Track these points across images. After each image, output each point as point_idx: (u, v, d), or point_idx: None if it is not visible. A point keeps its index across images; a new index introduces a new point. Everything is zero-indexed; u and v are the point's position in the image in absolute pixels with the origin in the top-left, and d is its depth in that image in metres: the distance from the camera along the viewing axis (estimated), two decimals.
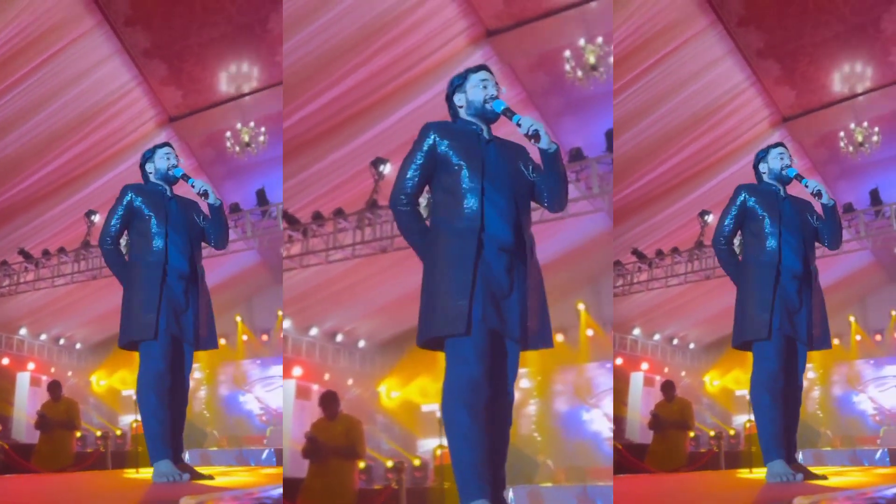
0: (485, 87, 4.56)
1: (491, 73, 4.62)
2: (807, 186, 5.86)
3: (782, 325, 5.89)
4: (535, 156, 4.56)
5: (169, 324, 5.90)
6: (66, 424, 9.96)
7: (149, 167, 6.10)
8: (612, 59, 8.87)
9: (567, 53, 9.09)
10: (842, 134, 10.32)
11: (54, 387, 10.24)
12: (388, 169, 9.17)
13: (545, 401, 9.23)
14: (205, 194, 5.95)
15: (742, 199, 6.07)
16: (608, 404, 9.03)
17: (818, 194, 5.83)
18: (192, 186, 5.97)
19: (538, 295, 4.51)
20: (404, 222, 4.56)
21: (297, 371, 9.31)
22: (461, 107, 4.61)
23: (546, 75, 9.16)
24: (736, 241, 6.18)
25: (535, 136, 4.37)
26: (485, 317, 4.35)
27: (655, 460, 9.79)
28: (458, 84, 4.63)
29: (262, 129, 9.86)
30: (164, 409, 5.89)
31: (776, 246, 5.92)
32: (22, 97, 9.67)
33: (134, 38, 9.68)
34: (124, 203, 5.99)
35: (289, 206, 9.36)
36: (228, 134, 9.99)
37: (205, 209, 6.13)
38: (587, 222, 8.87)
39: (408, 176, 4.52)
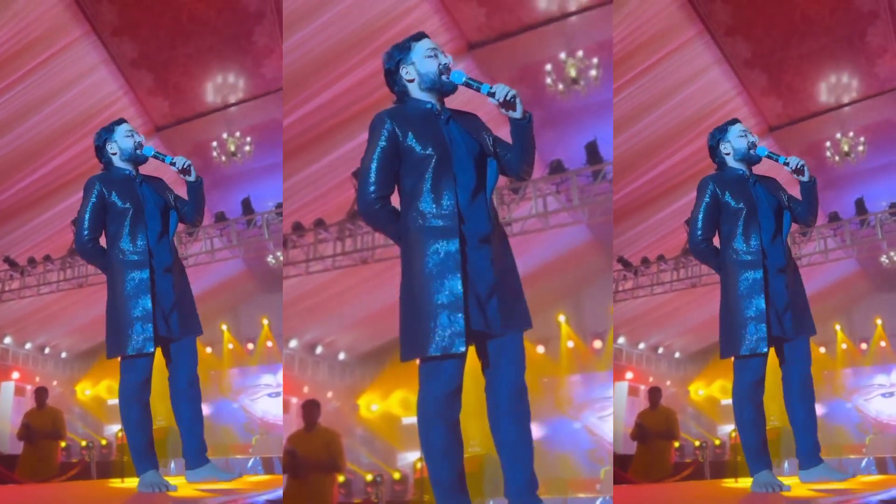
0: (435, 56, 4.19)
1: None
2: (787, 165, 5.51)
3: (779, 331, 5.54)
4: (492, 123, 4.26)
5: (159, 329, 5.55)
6: (51, 434, 9.95)
7: (110, 148, 5.61)
8: (593, 73, 8.92)
9: (548, 67, 9.14)
10: (828, 144, 10.36)
11: (40, 393, 10.23)
12: None
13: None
14: (186, 171, 5.53)
15: (712, 191, 5.59)
16: (589, 416, 9.02)
17: (800, 171, 5.50)
18: (173, 165, 5.55)
19: (514, 276, 4.23)
20: (382, 223, 4.19)
21: None
22: (411, 81, 4.22)
23: (527, 88, 9.17)
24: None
25: (511, 105, 4.08)
26: (473, 324, 4.07)
27: (639, 471, 9.80)
28: (400, 58, 4.24)
29: (248, 138, 9.92)
30: (148, 419, 5.73)
31: (758, 243, 5.52)
32: (8, 106, 9.71)
33: (121, 48, 9.73)
34: (95, 196, 5.57)
35: (287, 207, 9.34)
36: (214, 143, 10.05)
37: (179, 191, 5.74)
38: (567, 234, 8.90)
39: (371, 178, 4.13)
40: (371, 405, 9.27)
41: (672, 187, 10.23)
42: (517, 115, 4.11)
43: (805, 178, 5.59)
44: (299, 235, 9.49)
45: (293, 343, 9.67)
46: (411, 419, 8.79)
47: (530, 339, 9.35)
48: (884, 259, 10.78)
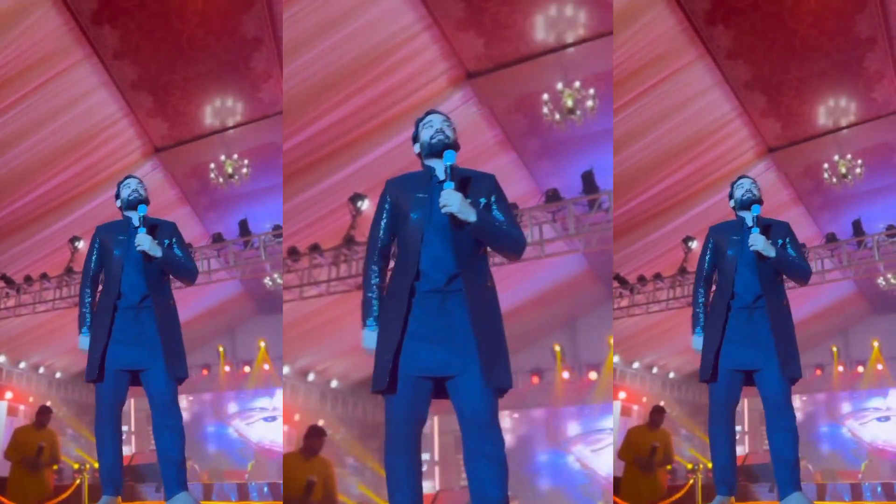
0: (430, 126, 4.55)
1: (444, 116, 4.58)
2: (752, 244, 5.83)
3: (733, 363, 5.89)
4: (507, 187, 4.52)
5: (119, 360, 5.81)
6: (50, 459, 9.90)
7: (118, 202, 6.00)
8: (589, 103, 8.94)
9: (545, 97, 9.17)
10: (826, 166, 10.40)
11: (44, 413, 10.16)
12: (365, 205, 9.20)
13: (520, 445, 9.16)
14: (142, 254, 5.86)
15: (710, 239, 6.07)
16: (581, 449, 8.95)
17: (760, 255, 5.84)
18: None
19: (488, 331, 4.41)
20: (364, 278, 4.57)
21: None
22: (418, 154, 4.59)
23: (524, 118, 9.23)
24: None
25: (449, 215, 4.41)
26: (417, 368, 4.38)
27: (630, 493, 9.74)
28: (415, 134, 4.62)
29: (246, 161, 9.96)
30: (112, 444, 5.92)
31: (731, 279, 5.91)
32: (9, 125, 9.76)
33: (122, 70, 9.78)
34: (95, 244, 5.95)
35: (285, 230, 9.35)
36: (212, 165, 10.08)
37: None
38: (564, 263, 8.90)
39: (376, 234, 4.58)
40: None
41: (671, 206, 10.27)
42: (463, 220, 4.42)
43: (765, 258, 5.93)
44: (294, 260, 9.48)
45: (286, 369, 9.62)
46: None
47: (525, 369, 9.37)
48: (881, 281, 10.80)
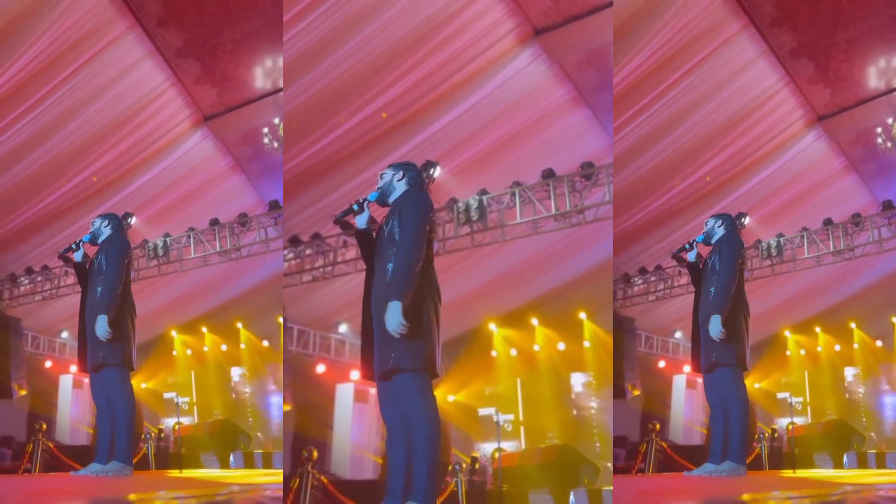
0: None
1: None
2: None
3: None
4: None
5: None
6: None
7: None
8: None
9: None
10: (879, 130, 10.22)
11: None
12: (437, 172, 9.05)
13: (607, 405, 9.05)
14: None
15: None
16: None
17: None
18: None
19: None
20: None
21: (354, 375, 9.21)
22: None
23: (596, 72, 9.02)
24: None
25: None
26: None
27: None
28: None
29: None
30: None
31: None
32: (59, 103, 9.69)
33: (167, 38, 9.63)
34: None
35: (293, 227, 9.28)
36: (266, 130, 9.82)
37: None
38: None
39: None
40: (448, 396, 9.13)
41: (725, 181, 10.17)
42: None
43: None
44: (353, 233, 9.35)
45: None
46: (487, 410, 8.83)
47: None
48: None
